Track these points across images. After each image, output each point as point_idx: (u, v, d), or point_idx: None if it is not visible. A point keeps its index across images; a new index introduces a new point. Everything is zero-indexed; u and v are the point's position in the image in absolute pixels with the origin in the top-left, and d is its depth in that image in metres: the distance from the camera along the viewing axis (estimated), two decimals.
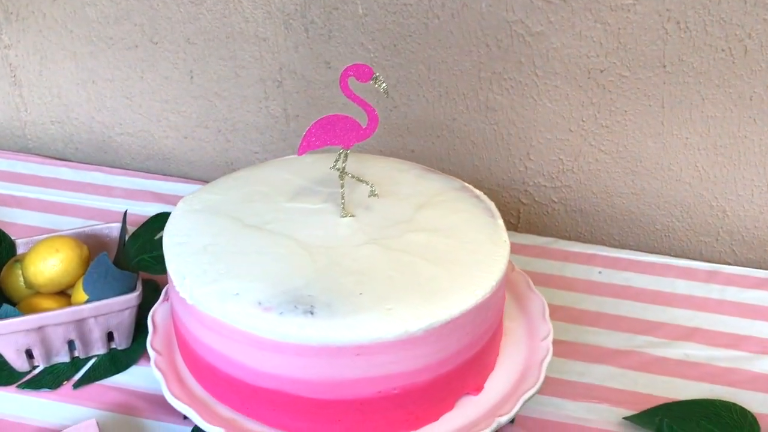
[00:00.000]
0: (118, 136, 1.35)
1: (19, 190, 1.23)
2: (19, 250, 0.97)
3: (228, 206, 0.85)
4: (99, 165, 1.32)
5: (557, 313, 0.97)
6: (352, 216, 0.83)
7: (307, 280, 0.74)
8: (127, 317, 0.91)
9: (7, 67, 1.33)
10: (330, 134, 0.80)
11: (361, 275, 0.74)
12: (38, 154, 1.35)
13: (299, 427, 0.75)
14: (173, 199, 1.18)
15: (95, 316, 0.89)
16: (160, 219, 1.06)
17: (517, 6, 1.06)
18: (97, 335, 0.91)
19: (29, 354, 0.90)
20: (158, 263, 1.00)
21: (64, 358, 0.92)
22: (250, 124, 1.27)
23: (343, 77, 0.78)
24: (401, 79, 1.16)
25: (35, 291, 0.93)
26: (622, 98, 1.09)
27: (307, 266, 0.76)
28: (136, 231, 1.05)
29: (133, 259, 1.00)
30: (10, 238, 0.97)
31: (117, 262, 0.90)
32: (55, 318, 0.87)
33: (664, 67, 1.05)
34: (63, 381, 0.90)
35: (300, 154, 0.81)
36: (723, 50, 1.02)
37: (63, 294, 0.94)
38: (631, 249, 1.16)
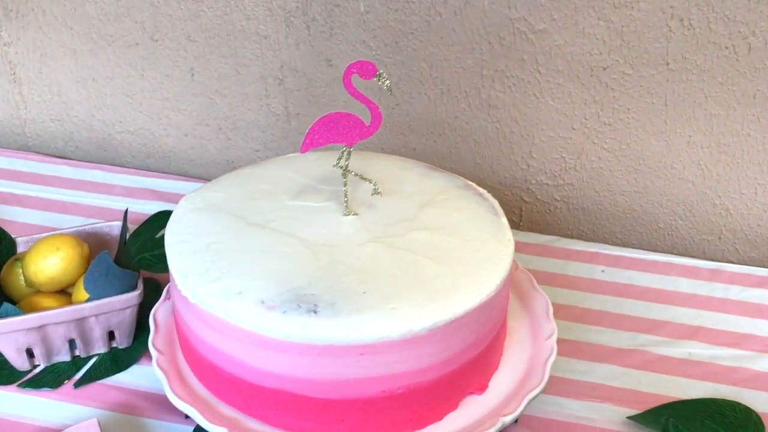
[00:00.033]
0: (119, 134, 1.34)
1: (19, 188, 1.22)
2: (20, 249, 0.97)
3: (230, 204, 0.85)
4: (99, 163, 1.31)
5: (560, 311, 0.96)
6: (356, 214, 0.83)
7: (310, 278, 0.73)
8: (128, 316, 0.90)
9: (6, 64, 1.32)
10: (333, 132, 0.79)
11: (365, 274, 0.74)
12: (38, 152, 1.35)
13: (302, 427, 0.75)
14: (174, 198, 1.18)
15: (96, 315, 0.88)
16: (161, 217, 1.05)
17: (520, 3, 1.06)
18: (98, 334, 0.90)
19: (30, 353, 0.89)
20: (159, 262, 0.99)
21: (64, 357, 0.91)
22: (251, 122, 1.27)
23: (346, 74, 0.78)
24: (403, 76, 1.15)
25: (36, 289, 0.92)
26: (625, 96, 1.08)
27: (310, 265, 0.75)
28: (136, 229, 1.04)
29: (134, 258, 0.99)
30: (10, 236, 0.97)
31: (118, 261, 0.90)
32: (55, 317, 0.86)
33: (668, 64, 1.05)
34: (64, 380, 0.89)
35: (303, 151, 0.80)
36: (727, 48, 1.02)
37: (63, 293, 0.94)
38: (633, 247, 1.15)
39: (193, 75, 1.25)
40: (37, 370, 0.90)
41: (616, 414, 0.86)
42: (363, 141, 0.81)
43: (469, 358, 0.75)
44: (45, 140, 1.38)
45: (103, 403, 0.87)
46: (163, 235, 1.02)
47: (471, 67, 1.12)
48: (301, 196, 0.86)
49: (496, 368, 0.82)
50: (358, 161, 0.86)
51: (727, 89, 1.04)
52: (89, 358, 0.92)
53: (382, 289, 0.72)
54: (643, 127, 1.10)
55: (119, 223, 0.98)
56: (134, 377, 0.90)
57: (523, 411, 0.76)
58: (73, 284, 0.93)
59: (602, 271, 1.08)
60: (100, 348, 0.92)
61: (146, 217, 1.07)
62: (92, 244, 0.96)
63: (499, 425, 0.73)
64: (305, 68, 1.19)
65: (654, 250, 1.14)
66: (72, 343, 0.90)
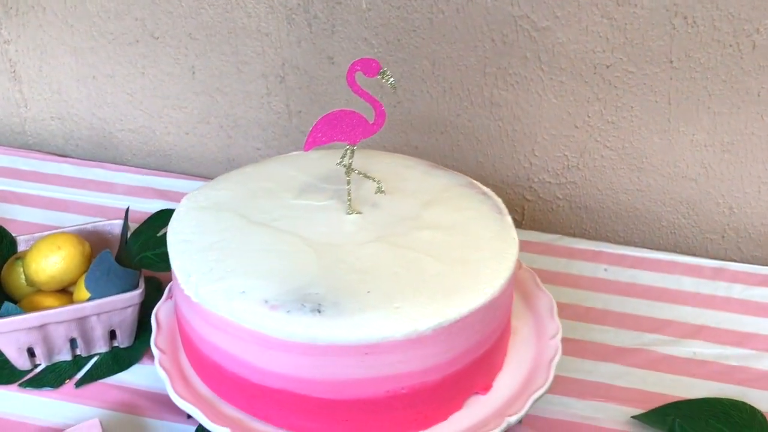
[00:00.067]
0: (119, 133, 1.34)
1: (19, 187, 1.22)
2: (21, 248, 0.96)
3: (233, 203, 0.84)
4: (99, 161, 1.30)
5: (563, 310, 0.95)
6: (359, 213, 0.82)
7: (314, 278, 0.73)
8: (130, 315, 0.90)
9: (6, 62, 1.32)
10: (336, 130, 0.79)
11: (369, 273, 0.74)
12: (38, 151, 1.34)
13: (306, 427, 0.74)
14: (175, 196, 1.18)
15: (97, 314, 0.88)
16: (163, 216, 1.05)
17: (523, 1, 1.05)
18: (99, 333, 0.90)
19: (31, 352, 0.89)
20: (161, 261, 0.99)
21: (65, 356, 0.91)
22: (252, 120, 1.26)
23: (350, 72, 0.77)
24: (405, 74, 1.15)
25: (37, 288, 0.92)
26: (629, 94, 1.08)
27: (313, 264, 0.75)
28: (138, 228, 1.04)
29: (135, 257, 0.99)
30: (11, 235, 0.96)
31: (119, 260, 0.89)
32: (57, 316, 0.86)
33: (671, 62, 1.04)
34: (65, 380, 0.89)
35: (306, 149, 0.80)
36: (731, 46, 1.01)
37: (65, 291, 0.93)
38: (636, 246, 1.15)
39: (194, 73, 1.24)
40: (38, 369, 0.90)
41: (620, 413, 0.86)
42: (365, 139, 0.81)
43: (473, 358, 0.75)
44: (45, 138, 1.38)
45: (105, 403, 0.87)
46: (164, 234, 1.01)
47: (473, 65, 1.12)
48: (304, 194, 0.85)
49: (500, 368, 0.81)
50: (361, 159, 0.86)
51: (731, 87, 1.04)
52: (90, 357, 0.92)
53: (386, 288, 0.72)
54: (646, 126, 1.09)
55: (120, 222, 0.98)
56: (136, 377, 0.90)
57: (527, 411, 0.76)
58: (74, 283, 0.92)
59: (605, 269, 1.07)
60: (101, 347, 0.92)
61: (147, 216, 1.07)
62: (93, 242, 0.96)
63: (504, 425, 0.73)
64: (307, 66, 1.19)
65: (657, 249, 1.14)
66: (73, 343, 0.90)
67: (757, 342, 0.96)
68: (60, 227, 0.98)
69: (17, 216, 1.15)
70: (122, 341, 0.92)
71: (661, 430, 0.83)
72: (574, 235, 1.18)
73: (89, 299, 0.88)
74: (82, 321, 0.88)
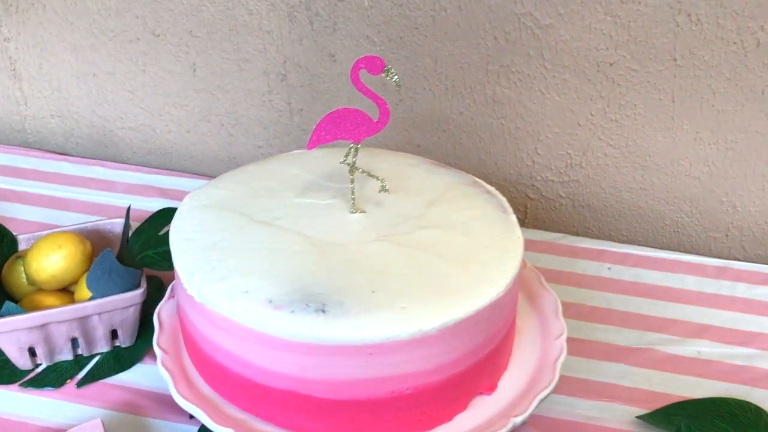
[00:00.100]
0: (120, 131, 1.33)
1: (19, 185, 1.21)
2: (21, 246, 0.96)
3: (235, 202, 0.84)
4: (100, 160, 1.30)
5: (567, 310, 0.94)
6: (362, 212, 0.82)
7: (318, 277, 0.72)
8: (132, 314, 0.89)
9: (6, 60, 1.31)
10: (340, 128, 0.78)
11: (373, 272, 0.73)
12: (38, 149, 1.34)
13: (310, 428, 0.74)
14: (176, 194, 1.18)
15: (99, 314, 0.87)
16: (164, 214, 1.04)
17: None
18: (100, 333, 0.89)
19: (32, 352, 0.88)
20: (163, 260, 0.98)
21: (67, 356, 0.90)
22: (253, 119, 1.26)
23: (354, 70, 0.76)
24: (407, 72, 1.14)
25: (37, 288, 0.91)
26: (632, 92, 1.07)
27: (317, 263, 0.74)
28: (139, 227, 1.03)
29: (136, 256, 0.98)
30: (11, 233, 0.96)
31: (120, 259, 0.89)
32: (58, 315, 0.86)
33: (675, 60, 1.04)
34: (66, 379, 0.89)
35: (310, 148, 0.79)
36: (735, 43, 1.01)
37: (65, 291, 0.93)
38: (639, 245, 1.15)
39: (195, 70, 1.24)
40: (39, 369, 0.90)
41: (625, 413, 0.85)
42: (369, 137, 0.80)
43: (478, 358, 0.74)
44: (45, 136, 1.37)
45: (106, 403, 0.86)
46: (166, 233, 1.01)
47: (476, 63, 1.11)
48: (307, 193, 0.85)
49: (505, 368, 0.81)
50: (364, 158, 0.85)
51: (735, 85, 1.03)
52: (92, 357, 0.91)
53: (391, 288, 0.72)
54: (650, 124, 1.09)
55: (121, 221, 0.97)
56: (137, 376, 0.89)
57: (533, 412, 0.75)
58: (75, 282, 0.92)
59: (609, 268, 1.07)
60: (102, 347, 0.91)
61: (149, 214, 1.06)
62: (94, 241, 0.95)
63: (510, 426, 0.72)
64: (308, 64, 1.18)
65: (660, 248, 1.14)
66: (74, 342, 0.90)
67: (761, 341, 0.96)
68: (60, 226, 0.98)
69: (17, 215, 1.15)
70: (124, 341, 0.92)
71: (666, 430, 0.83)
72: (577, 234, 1.17)
73: (91, 298, 0.87)
74: (83, 320, 0.87)
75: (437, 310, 0.70)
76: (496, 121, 1.15)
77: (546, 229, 1.17)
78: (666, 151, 1.10)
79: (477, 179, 0.89)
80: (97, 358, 0.91)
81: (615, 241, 1.14)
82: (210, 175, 1.24)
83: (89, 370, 0.90)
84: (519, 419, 0.73)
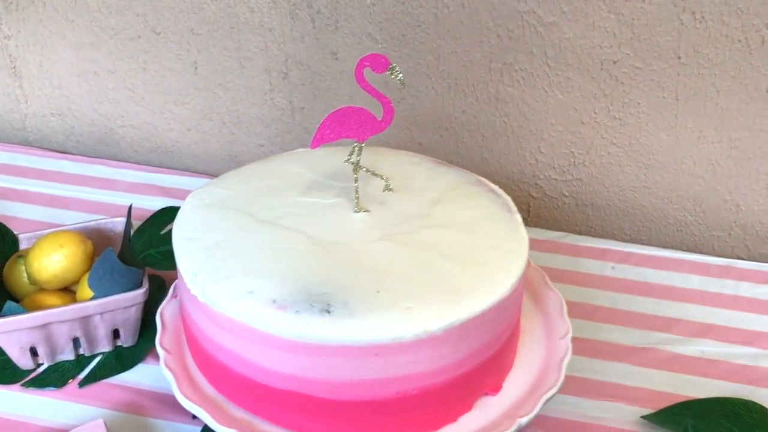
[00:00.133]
0: (121, 129, 1.32)
1: (20, 184, 1.20)
2: (22, 245, 0.95)
3: (238, 201, 0.83)
4: (101, 158, 1.29)
5: (570, 309, 0.94)
6: (366, 211, 0.81)
7: (322, 277, 0.72)
8: (133, 314, 0.89)
9: (6, 57, 1.30)
10: (345, 127, 0.78)
11: (378, 272, 0.73)
12: (39, 147, 1.33)
13: (313, 429, 0.73)
14: (178, 193, 1.17)
15: (101, 313, 0.87)
16: (166, 213, 1.04)
17: None
18: (102, 332, 0.89)
19: (33, 352, 0.88)
20: (165, 259, 0.98)
21: (68, 356, 0.90)
22: (255, 117, 1.25)
23: (358, 68, 0.76)
24: (410, 70, 1.14)
25: (39, 287, 0.91)
26: (636, 90, 1.07)
27: (322, 263, 0.74)
28: (141, 226, 1.03)
29: (138, 255, 0.98)
30: (12, 232, 0.95)
31: (122, 258, 0.88)
32: (60, 315, 0.85)
33: (679, 58, 1.03)
34: (68, 379, 0.88)
35: (313, 147, 0.79)
36: (739, 41, 1.00)
37: (67, 290, 0.92)
38: (642, 243, 1.14)
39: (196, 68, 1.23)
40: (41, 369, 0.89)
41: (630, 413, 0.85)
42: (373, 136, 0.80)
43: (484, 359, 0.74)
44: (46, 135, 1.36)
45: (109, 403, 0.86)
46: (168, 232, 1.01)
47: (479, 61, 1.11)
48: (310, 192, 0.84)
49: (510, 368, 0.81)
50: (366, 156, 0.84)
51: (740, 83, 1.03)
52: (93, 356, 0.91)
53: (396, 288, 0.71)
54: (654, 122, 1.09)
55: (123, 220, 0.97)
56: (139, 376, 0.89)
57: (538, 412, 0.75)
58: (76, 282, 0.91)
59: (612, 267, 1.06)
60: (104, 346, 0.91)
61: (150, 213, 1.06)
62: (95, 240, 0.95)
63: (515, 427, 0.72)
64: (310, 61, 1.18)
65: (663, 247, 1.13)
66: (76, 342, 0.89)
67: (765, 341, 0.95)
68: (61, 225, 0.98)
69: (18, 213, 1.14)
70: (125, 340, 0.91)
71: (671, 430, 0.82)
72: (580, 233, 1.17)
73: (92, 298, 0.87)
74: (85, 320, 0.87)
75: (443, 310, 0.69)
76: (499, 120, 1.14)
77: (549, 228, 1.16)
78: (669, 150, 1.10)
79: (480, 178, 0.89)
80: (98, 358, 0.91)
81: (618, 240, 1.14)
82: (211, 174, 1.24)
83: (91, 370, 0.89)
84: (524, 420, 0.73)
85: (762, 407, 0.84)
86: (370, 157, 0.86)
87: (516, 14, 1.06)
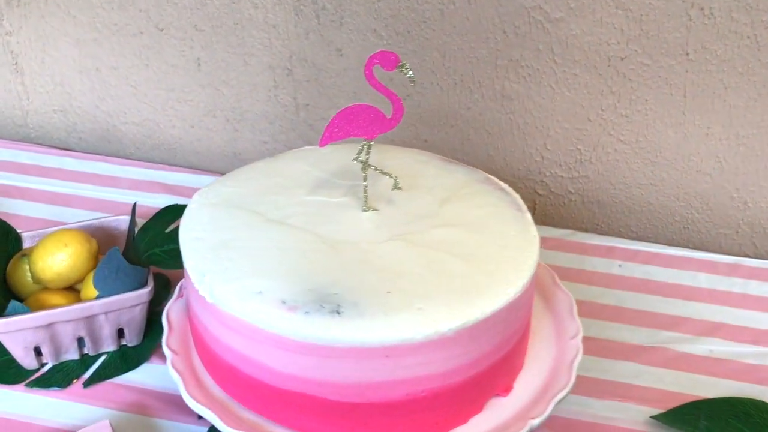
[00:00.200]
0: (123, 126, 1.32)
1: (22, 181, 1.20)
2: (26, 244, 0.94)
3: (245, 199, 0.82)
4: (103, 155, 1.28)
5: (577, 307, 0.94)
6: (375, 210, 0.80)
7: (332, 277, 0.71)
8: (138, 313, 0.88)
9: (8, 54, 1.30)
10: (353, 125, 0.77)
11: (388, 272, 0.72)
12: (41, 144, 1.32)
13: (322, 431, 0.73)
14: (182, 191, 1.16)
15: (106, 313, 0.86)
16: (171, 211, 1.03)
17: None
18: (107, 332, 0.88)
19: (38, 351, 0.87)
20: (170, 258, 0.97)
21: (73, 355, 0.89)
22: (258, 114, 1.24)
23: (368, 65, 0.75)
24: (415, 66, 1.13)
25: (43, 286, 0.90)
26: (643, 87, 1.06)
27: (331, 263, 0.73)
28: (145, 224, 1.02)
29: (143, 253, 0.97)
30: (16, 231, 0.94)
31: (126, 256, 0.88)
32: (64, 314, 0.85)
33: (687, 54, 1.03)
34: (73, 379, 0.87)
35: (322, 145, 0.78)
36: (748, 37, 1.00)
37: (71, 289, 0.91)
38: (649, 241, 1.14)
39: (199, 65, 1.22)
40: (45, 368, 0.89)
41: (639, 413, 0.85)
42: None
43: (495, 360, 0.73)
44: (48, 131, 1.36)
45: (113, 403, 0.85)
46: (172, 230, 1.00)
47: (485, 57, 1.10)
48: (318, 191, 0.83)
49: (520, 369, 0.80)
50: (372, 154, 0.84)
51: (748, 80, 1.02)
52: (98, 356, 0.90)
53: (407, 288, 0.70)
54: (661, 119, 1.08)
55: (127, 218, 0.96)
56: (144, 376, 0.88)
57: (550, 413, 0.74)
58: (81, 281, 0.90)
59: (619, 265, 1.06)
60: (109, 346, 0.90)
61: (154, 211, 1.05)
62: (99, 238, 0.94)
63: (527, 428, 0.71)
64: (315, 58, 1.17)
65: (670, 244, 1.13)
66: (80, 342, 0.88)
67: None
68: (64, 223, 0.97)
69: (20, 211, 1.13)
70: (130, 340, 0.91)
71: (680, 430, 0.82)
72: (586, 230, 1.16)
73: (97, 297, 0.86)
74: (89, 320, 0.86)
75: (454, 311, 0.68)
76: (505, 117, 1.14)
77: (555, 226, 1.15)
78: (677, 147, 1.09)
79: (489, 176, 0.88)
80: (103, 358, 0.90)
81: (625, 238, 1.13)
82: (215, 171, 1.23)
83: (96, 370, 0.89)
84: (536, 421, 0.72)
85: None
86: (377, 155, 0.85)
87: (522, 10, 1.05)
